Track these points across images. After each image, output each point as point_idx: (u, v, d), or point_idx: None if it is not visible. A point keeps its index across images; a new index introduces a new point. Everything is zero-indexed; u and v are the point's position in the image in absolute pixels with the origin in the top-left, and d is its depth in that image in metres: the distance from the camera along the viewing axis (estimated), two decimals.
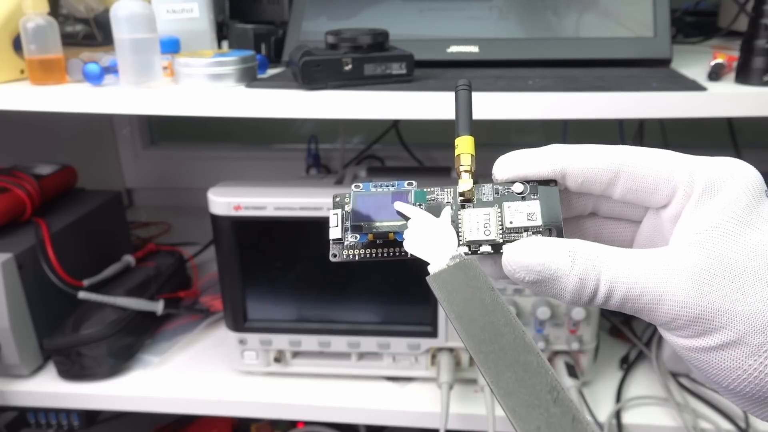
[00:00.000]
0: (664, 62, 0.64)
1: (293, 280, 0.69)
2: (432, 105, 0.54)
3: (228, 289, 0.70)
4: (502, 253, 0.25)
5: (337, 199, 0.28)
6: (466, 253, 0.26)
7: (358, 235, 0.27)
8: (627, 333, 0.79)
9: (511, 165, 0.27)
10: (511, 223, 0.26)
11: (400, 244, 0.26)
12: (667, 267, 0.23)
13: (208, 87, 0.59)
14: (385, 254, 0.27)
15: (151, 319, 0.79)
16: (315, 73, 0.56)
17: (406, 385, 0.72)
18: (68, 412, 0.77)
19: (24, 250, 0.70)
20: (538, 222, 0.26)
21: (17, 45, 0.62)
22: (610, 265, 0.24)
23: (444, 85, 0.57)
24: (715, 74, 0.58)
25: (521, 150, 0.27)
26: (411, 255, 0.26)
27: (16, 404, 0.73)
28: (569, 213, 0.29)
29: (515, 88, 0.54)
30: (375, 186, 0.28)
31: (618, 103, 0.53)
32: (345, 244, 0.27)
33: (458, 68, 0.65)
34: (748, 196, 0.24)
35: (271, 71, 0.67)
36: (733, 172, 0.25)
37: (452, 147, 0.29)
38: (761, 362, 0.23)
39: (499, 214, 0.27)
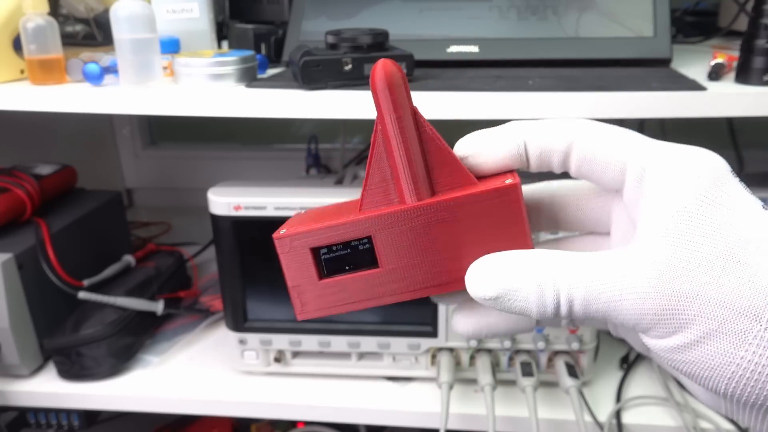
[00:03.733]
0: (664, 62, 0.64)
1: None
2: (432, 105, 0.54)
3: (228, 289, 0.70)
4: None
5: None
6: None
7: None
8: None
9: (474, 142, 0.26)
10: None
11: None
12: (627, 259, 0.22)
13: (208, 87, 0.59)
14: None
15: (151, 319, 0.79)
16: (315, 73, 0.56)
17: (407, 385, 0.72)
18: (68, 412, 0.77)
19: (24, 250, 0.70)
20: None
21: (17, 45, 0.62)
22: (567, 269, 0.22)
23: (444, 84, 0.57)
24: (715, 74, 0.58)
25: (482, 130, 0.27)
26: None
27: (16, 404, 0.73)
28: (539, 229, 0.29)
29: (515, 88, 0.54)
30: None
31: (618, 103, 0.53)
32: None
33: (458, 68, 0.65)
34: (712, 176, 0.22)
35: (271, 71, 0.67)
36: (694, 155, 0.23)
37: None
38: (754, 351, 0.20)
39: None
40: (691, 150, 0.23)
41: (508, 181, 0.25)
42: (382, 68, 0.24)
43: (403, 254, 0.26)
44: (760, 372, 0.20)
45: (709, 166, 0.22)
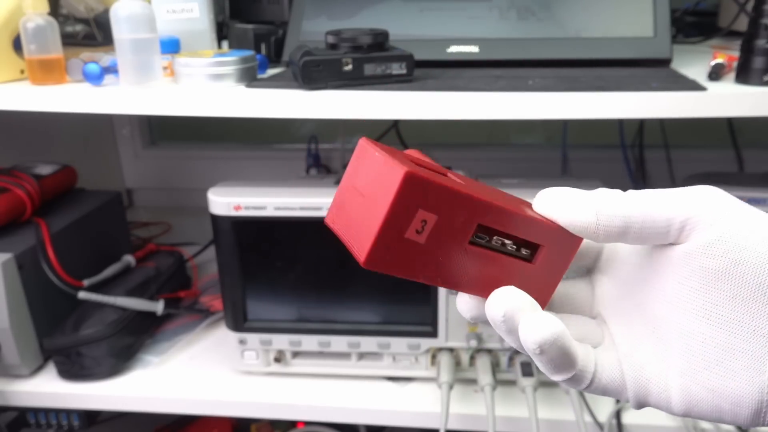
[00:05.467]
0: (664, 62, 0.64)
1: (293, 280, 0.69)
2: (432, 105, 0.54)
3: (228, 289, 0.70)
4: None
5: None
6: None
7: None
8: None
9: (552, 204, 0.27)
10: None
11: None
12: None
13: (208, 87, 0.59)
14: None
15: (151, 319, 0.79)
16: (315, 73, 0.56)
17: (407, 385, 0.72)
18: (68, 412, 0.77)
19: (24, 250, 0.70)
20: None
21: (17, 45, 0.62)
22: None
23: (444, 85, 0.57)
24: (715, 74, 0.58)
25: (564, 188, 0.28)
26: None
27: (17, 404, 0.73)
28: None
29: (515, 88, 0.54)
30: None
31: (618, 103, 0.53)
32: None
33: (458, 68, 0.65)
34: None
35: (271, 71, 0.67)
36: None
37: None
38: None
39: None
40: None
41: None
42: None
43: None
44: None
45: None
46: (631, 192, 0.26)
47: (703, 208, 0.25)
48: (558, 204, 0.27)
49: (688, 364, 0.25)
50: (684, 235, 0.25)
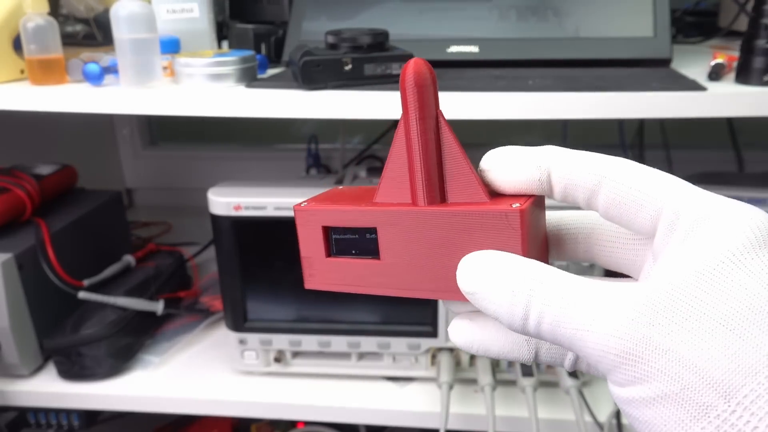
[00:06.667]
0: (664, 62, 0.64)
1: (293, 280, 0.69)
2: None
3: (228, 289, 0.70)
4: None
5: None
6: None
7: None
8: None
9: (497, 158, 0.25)
10: None
11: None
12: (612, 292, 0.20)
13: (208, 87, 0.59)
14: None
15: (151, 319, 0.79)
16: (315, 73, 0.56)
17: (406, 385, 0.72)
18: (68, 412, 0.77)
19: (24, 250, 0.70)
20: None
21: (17, 45, 0.62)
22: (546, 283, 0.21)
23: (444, 85, 0.57)
24: (715, 74, 0.58)
25: (511, 147, 0.25)
26: None
27: (17, 404, 0.73)
28: (575, 258, 0.28)
29: (515, 88, 0.54)
30: None
31: (618, 103, 0.53)
32: None
33: (458, 68, 0.65)
34: (752, 237, 0.19)
35: (271, 71, 0.67)
36: (739, 211, 0.20)
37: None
38: (711, 431, 0.18)
39: None
40: (736, 205, 0.21)
41: (516, 205, 0.24)
42: (413, 67, 0.24)
43: (404, 252, 0.26)
44: None
45: (751, 226, 0.20)
46: None
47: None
48: (507, 158, 0.25)
49: None
50: None
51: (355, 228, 0.27)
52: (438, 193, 0.25)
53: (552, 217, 0.27)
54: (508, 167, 0.25)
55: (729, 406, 0.18)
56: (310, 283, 0.29)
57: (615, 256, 0.26)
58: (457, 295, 0.25)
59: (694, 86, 0.54)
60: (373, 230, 0.27)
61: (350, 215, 0.27)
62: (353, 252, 0.28)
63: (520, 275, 0.22)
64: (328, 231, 0.28)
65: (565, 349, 0.24)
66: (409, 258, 0.26)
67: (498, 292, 0.22)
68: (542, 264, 0.22)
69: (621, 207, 0.22)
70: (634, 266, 0.26)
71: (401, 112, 0.25)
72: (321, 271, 0.29)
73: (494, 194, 0.25)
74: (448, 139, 0.25)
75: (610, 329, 0.19)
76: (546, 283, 0.21)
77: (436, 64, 0.64)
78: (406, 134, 0.25)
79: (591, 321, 0.20)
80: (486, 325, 0.26)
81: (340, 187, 0.31)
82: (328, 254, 0.28)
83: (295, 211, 0.28)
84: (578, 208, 0.25)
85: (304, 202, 0.28)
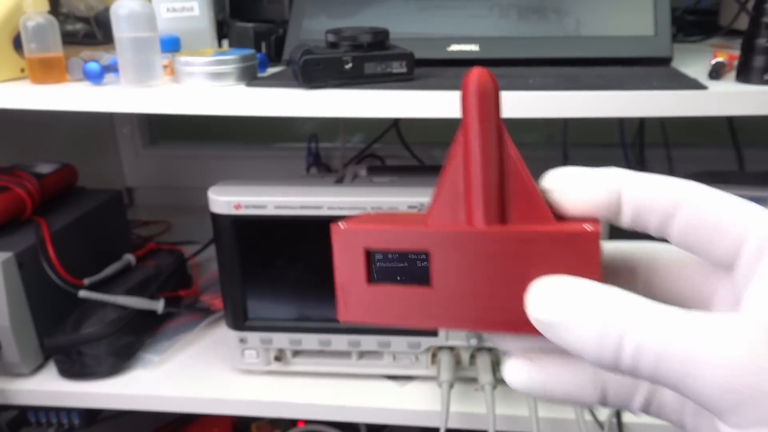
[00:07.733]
0: (665, 61, 0.64)
1: (293, 278, 0.69)
2: (432, 104, 0.54)
3: (228, 288, 0.70)
4: None
5: None
6: None
7: None
8: None
9: (563, 178, 0.23)
10: None
11: None
12: (725, 322, 0.18)
13: (209, 86, 0.59)
14: None
15: (151, 318, 0.79)
16: (315, 72, 0.56)
17: (407, 384, 0.72)
18: (69, 411, 0.77)
19: (24, 249, 0.70)
20: None
21: (17, 44, 0.62)
22: (643, 314, 0.19)
23: (444, 83, 0.57)
24: (716, 73, 0.58)
25: (576, 167, 0.23)
26: None
27: (17, 403, 0.73)
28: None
29: (516, 87, 0.54)
30: None
31: (618, 102, 0.53)
32: None
33: (459, 67, 0.64)
34: None
35: (272, 70, 0.67)
36: None
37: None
38: None
39: None
40: None
41: (588, 227, 0.22)
42: (477, 75, 0.22)
43: (459, 280, 0.23)
44: None
45: None
46: None
47: None
48: (572, 178, 0.23)
49: None
50: None
51: (403, 253, 0.24)
52: (498, 213, 0.23)
53: (608, 247, 0.25)
54: (575, 188, 0.23)
55: None
56: (346, 314, 0.26)
57: (678, 287, 0.24)
58: (520, 327, 0.22)
59: (694, 85, 0.54)
60: (423, 254, 0.24)
61: (399, 236, 0.24)
62: (398, 278, 0.25)
63: (611, 302, 0.19)
64: (371, 255, 0.25)
65: (634, 389, 0.23)
66: (464, 285, 0.23)
67: (584, 321, 0.19)
68: (633, 294, 0.20)
69: (700, 232, 0.21)
70: (701, 297, 0.24)
71: (461, 123, 0.23)
72: (359, 300, 0.25)
73: (557, 216, 0.23)
74: (512, 155, 0.23)
75: (734, 363, 0.17)
76: (644, 313, 0.19)
77: (436, 62, 0.64)
78: (465, 149, 0.23)
79: (706, 354, 0.17)
80: (546, 365, 0.24)
81: (379, 211, 0.29)
82: (369, 281, 0.25)
83: (332, 232, 0.25)
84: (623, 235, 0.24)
85: (342, 222, 0.25)
